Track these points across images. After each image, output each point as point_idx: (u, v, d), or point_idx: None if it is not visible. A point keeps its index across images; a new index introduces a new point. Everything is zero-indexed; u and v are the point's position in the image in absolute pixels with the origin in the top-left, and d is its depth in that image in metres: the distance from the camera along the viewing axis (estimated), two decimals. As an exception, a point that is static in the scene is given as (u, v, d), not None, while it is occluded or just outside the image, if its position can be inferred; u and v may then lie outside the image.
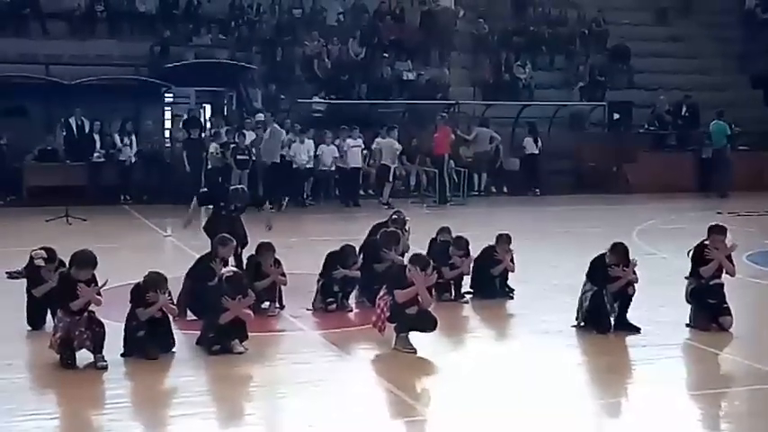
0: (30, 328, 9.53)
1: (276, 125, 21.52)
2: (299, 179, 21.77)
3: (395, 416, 7.46)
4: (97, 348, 8.25)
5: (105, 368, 8.16)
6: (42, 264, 9.50)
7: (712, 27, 31.14)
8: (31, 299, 9.61)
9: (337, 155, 22.03)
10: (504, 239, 11.40)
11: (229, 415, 7.47)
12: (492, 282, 11.32)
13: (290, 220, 19.17)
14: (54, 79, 21.74)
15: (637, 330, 9.62)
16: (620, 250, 9.71)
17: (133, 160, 21.83)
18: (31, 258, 9.64)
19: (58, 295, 8.57)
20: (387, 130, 22.62)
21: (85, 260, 8.43)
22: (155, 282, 8.65)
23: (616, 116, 25.85)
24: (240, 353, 8.67)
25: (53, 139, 21.51)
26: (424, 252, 10.68)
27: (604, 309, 9.64)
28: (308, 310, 10.56)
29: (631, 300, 9.69)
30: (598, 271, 9.71)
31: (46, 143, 21.41)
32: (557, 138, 25.46)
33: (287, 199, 20.72)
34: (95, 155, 21.54)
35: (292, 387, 7.97)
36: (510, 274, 11.42)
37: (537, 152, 24.71)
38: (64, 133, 21.66)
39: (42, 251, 9.60)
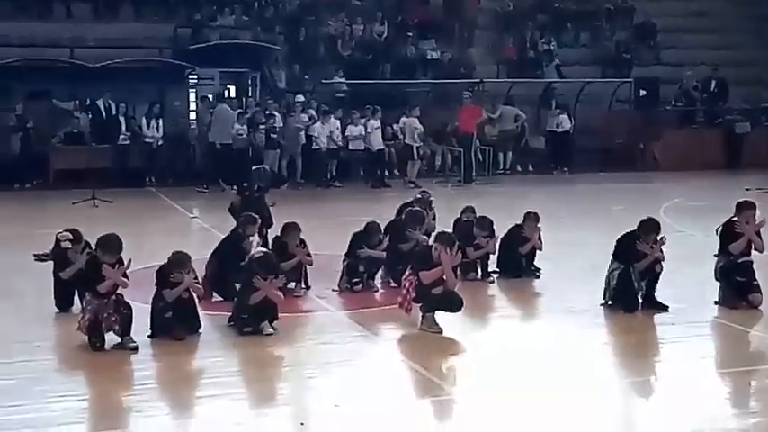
0: (57, 310, 9.60)
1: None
2: (321, 160, 21.76)
3: (421, 395, 7.47)
4: (125, 331, 8.29)
5: (134, 350, 8.21)
6: (69, 246, 9.55)
7: (739, 2, 30.73)
8: (58, 281, 9.67)
9: (363, 134, 21.98)
10: (531, 218, 11.34)
11: (257, 395, 7.50)
12: (519, 261, 11.27)
13: (315, 200, 19.21)
14: (79, 62, 21.79)
15: (665, 308, 9.56)
16: (650, 226, 9.63)
17: (159, 143, 21.88)
18: (58, 241, 9.70)
19: (85, 278, 8.62)
20: (409, 109, 22.57)
21: (110, 245, 8.47)
22: (180, 262, 8.67)
23: (642, 93, 25.63)
24: (269, 334, 8.69)
25: (78, 123, 21.58)
26: (450, 232, 10.64)
27: (632, 287, 9.58)
28: (333, 290, 10.57)
29: (659, 277, 9.62)
30: (625, 249, 9.64)
31: (71, 126, 21.49)
32: (582, 115, 25.28)
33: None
34: (121, 137, 21.60)
35: (319, 367, 8.00)
36: (537, 252, 11.36)
37: (570, 130, 24.57)
38: (89, 116, 21.71)
39: (68, 233, 9.66)
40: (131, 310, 8.36)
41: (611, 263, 9.75)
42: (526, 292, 10.94)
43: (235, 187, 12.53)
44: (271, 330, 8.72)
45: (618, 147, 25.45)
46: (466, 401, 7.18)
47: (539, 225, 11.30)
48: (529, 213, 11.40)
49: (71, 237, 9.61)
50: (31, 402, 6.98)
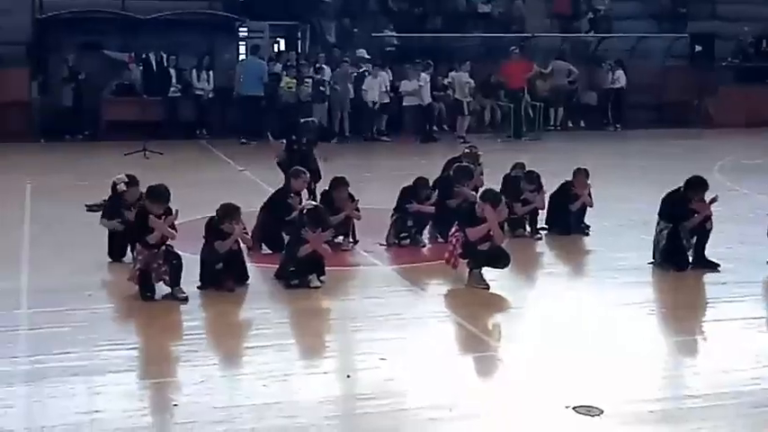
0: (110, 259, 9.72)
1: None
2: (370, 114, 21.70)
3: (466, 350, 7.47)
4: (175, 281, 8.39)
5: (184, 300, 8.30)
6: (124, 188, 9.60)
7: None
8: (111, 232, 9.76)
9: (417, 88, 21.88)
10: (581, 174, 11.22)
11: (304, 348, 7.56)
12: (567, 218, 11.18)
13: (364, 155, 19.19)
14: (128, 14, 21.87)
15: (716, 267, 9.44)
16: (697, 184, 9.47)
17: (210, 95, 21.94)
18: (114, 185, 9.75)
19: (135, 229, 8.71)
20: (459, 64, 22.38)
21: (158, 194, 8.54)
22: (229, 212, 8.73)
23: (698, 48, 25.12)
24: (316, 287, 8.74)
25: (130, 74, 21.70)
26: (498, 188, 10.58)
27: (681, 246, 9.46)
28: (381, 245, 10.57)
29: (709, 235, 9.48)
30: (672, 207, 9.50)
31: (123, 78, 21.62)
32: (636, 71, 24.87)
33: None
34: (172, 89, 21.70)
35: (365, 321, 8.03)
36: (588, 209, 11.26)
37: (624, 86, 24.22)
38: (140, 68, 21.82)
39: (124, 176, 9.72)
40: (181, 261, 8.44)
41: (659, 223, 9.63)
42: (574, 249, 10.86)
43: (281, 140, 12.39)
44: (318, 283, 8.76)
45: (672, 103, 25.03)
46: (511, 358, 7.18)
47: (589, 182, 11.18)
48: (579, 169, 11.28)
49: (126, 179, 9.67)
50: (81, 350, 7.10)
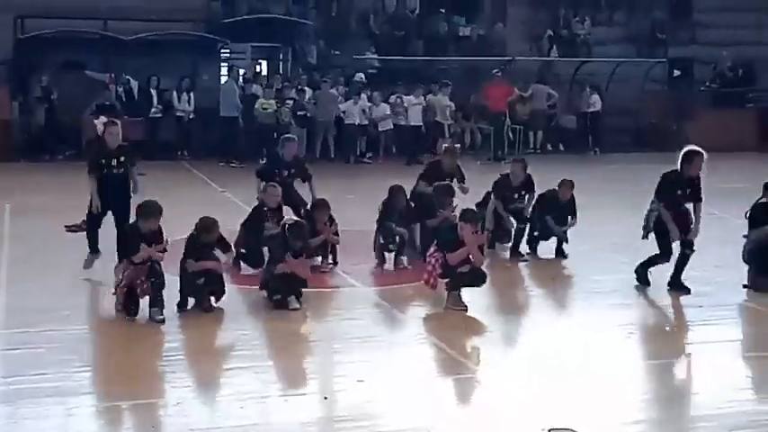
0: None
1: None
2: (352, 136, 21.76)
3: (444, 373, 7.48)
4: (154, 300, 8.36)
5: (161, 322, 8.27)
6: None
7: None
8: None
9: (400, 111, 21.98)
10: (566, 184, 11.42)
11: (281, 369, 7.54)
12: (547, 225, 11.28)
13: (347, 176, 19.18)
14: (112, 34, 21.85)
15: (688, 291, 9.46)
16: (687, 154, 9.47)
17: (191, 116, 21.93)
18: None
19: (123, 246, 8.69)
20: (439, 87, 22.50)
21: (150, 210, 8.56)
22: (206, 227, 8.76)
23: (677, 73, 25.34)
24: (295, 309, 8.73)
25: (111, 95, 21.66)
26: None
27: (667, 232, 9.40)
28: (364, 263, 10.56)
29: (688, 261, 9.52)
30: (661, 186, 9.52)
31: (104, 98, 21.57)
32: (616, 95, 25.06)
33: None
34: (153, 110, 21.68)
35: (343, 343, 8.03)
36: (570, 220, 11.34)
37: (600, 109, 24.41)
38: (121, 88, 21.79)
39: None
40: (163, 279, 8.40)
41: (652, 202, 9.61)
42: (552, 272, 10.90)
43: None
44: (297, 305, 8.76)
45: (651, 127, 25.21)
46: (488, 380, 7.19)
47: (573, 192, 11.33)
48: (564, 180, 11.41)
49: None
50: (56, 371, 7.06)
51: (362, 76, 23.00)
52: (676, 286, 9.55)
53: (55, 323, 8.25)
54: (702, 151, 9.50)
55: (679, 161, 9.49)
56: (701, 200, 9.50)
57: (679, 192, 9.44)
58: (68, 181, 17.73)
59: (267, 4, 24.59)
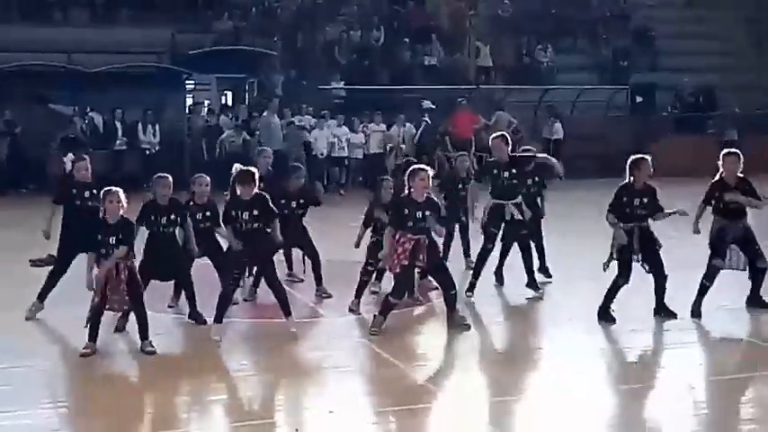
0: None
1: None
2: (319, 167, 21.77)
3: (415, 402, 7.45)
4: (143, 334, 8.38)
5: (152, 353, 8.25)
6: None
7: (737, 7, 30.73)
8: None
9: (363, 141, 22.05)
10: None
11: (251, 402, 7.49)
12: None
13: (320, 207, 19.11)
14: (76, 67, 21.77)
15: (674, 316, 9.51)
16: (633, 161, 9.72)
17: (156, 148, 21.85)
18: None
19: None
20: (404, 116, 22.63)
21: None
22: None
23: (639, 99, 25.64)
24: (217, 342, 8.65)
25: (75, 128, 21.54)
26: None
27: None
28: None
29: (665, 284, 9.55)
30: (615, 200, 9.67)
31: (68, 131, 21.44)
32: (579, 122, 25.30)
33: None
34: (117, 143, 21.59)
35: (314, 373, 7.99)
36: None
37: (562, 137, 24.62)
38: (86, 121, 21.69)
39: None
40: (144, 311, 8.38)
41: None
42: (522, 298, 10.91)
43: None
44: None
45: (614, 153, 25.41)
46: (458, 408, 7.18)
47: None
48: None
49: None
50: (23, 408, 6.98)
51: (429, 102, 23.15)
52: (662, 310, 9.54)
53: (22, 360, 8.14)
54: (647, 156, 9.61)
55: (627, 171, 9.59)
56: (661, 210, 9.52)
57: (636, 202, 9.51)
58: (33, 215, 17.63)
59: (232, 37, 24.66)
